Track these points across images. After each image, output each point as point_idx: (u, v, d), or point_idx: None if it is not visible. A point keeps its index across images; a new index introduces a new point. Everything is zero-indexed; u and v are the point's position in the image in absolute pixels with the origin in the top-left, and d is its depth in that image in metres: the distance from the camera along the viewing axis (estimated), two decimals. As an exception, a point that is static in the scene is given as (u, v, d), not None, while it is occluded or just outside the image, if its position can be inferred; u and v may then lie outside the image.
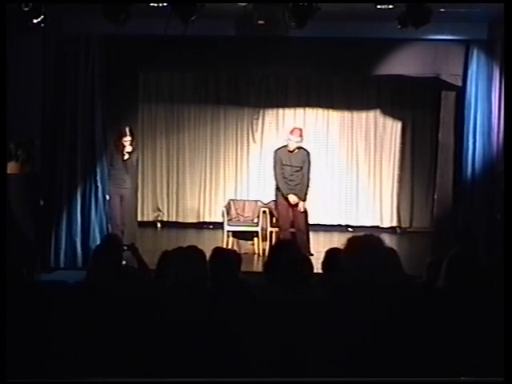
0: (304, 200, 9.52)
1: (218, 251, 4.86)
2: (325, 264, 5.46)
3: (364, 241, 3.62)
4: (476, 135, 9.02)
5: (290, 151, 9.49)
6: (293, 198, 9.45)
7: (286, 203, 9.48)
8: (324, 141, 12.13)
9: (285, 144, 9.65)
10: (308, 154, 9.61)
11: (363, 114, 12.18)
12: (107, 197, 9.15)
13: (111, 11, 7.03)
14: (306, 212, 9.61)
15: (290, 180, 9.47)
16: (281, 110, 12.22)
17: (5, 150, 7.74)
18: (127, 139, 9.09)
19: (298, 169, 9.48)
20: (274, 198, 10.05)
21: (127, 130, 9.12)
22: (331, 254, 5.55)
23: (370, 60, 9.21)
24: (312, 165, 9.71)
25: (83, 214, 9.14)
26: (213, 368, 3.75)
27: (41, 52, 8.77)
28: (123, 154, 9.13)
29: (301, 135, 9.58)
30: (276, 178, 9.58)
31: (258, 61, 9.20)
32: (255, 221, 10.24)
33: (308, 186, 9.57)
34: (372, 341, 3.52)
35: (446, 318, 3.62)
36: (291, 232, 9.55)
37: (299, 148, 9.55)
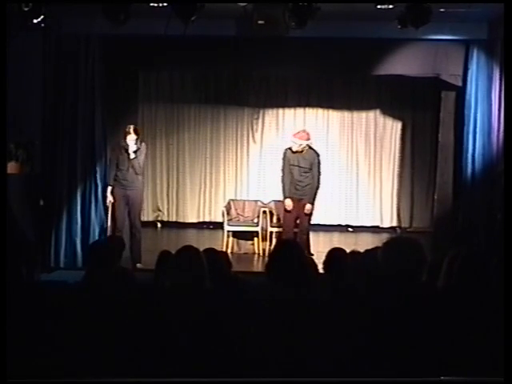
0: (312, 203, 9.37)
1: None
2: (326, 264, 5.46)
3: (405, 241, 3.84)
4: (476, 135, 9.02)
5: (294, 152, 9.34)
6: (288, 203, 9.35)
7: (293, 203, 9.40)
8: (324, 141, 12.11)
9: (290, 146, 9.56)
10: (318, 155, 9.43)
11: (363, 114, 12.18)
12: (111, 198, 8.84)
13: (111, 11, 7.04)
14: (311, 213, 9.51)
15: (299, 181, 9.32)
16: (281, 110, 12.21)
17: (5, 150, 7.75)
18: (131, 138, 8.70)
19: (307, 170, 9.32)
20: (274, 198, 10.04)
21: (131, 128, 8.74)
22: (333, 254, 5.55)
23: (370, 60, 9.21)
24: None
25: (83, 214, 9.13)
26: (213, 368, 3.75)
27: (41, 52, 8.78)
28: (128, 154, 8.74)
29: (308, 138, 9.38)
30: (282, 179, 9.44)
31: (258, 61, 9.20)
32: (255, 221, 10.24)
33: (318, 188, 9.41)
34: (372, 341, 3.52)
35: (446, 318, 3.62)
36: (294, 232, 9.50)
37: (308, 148, 9.40)
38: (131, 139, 8.72)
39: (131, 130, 8.73)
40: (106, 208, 9.14)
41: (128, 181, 8.81)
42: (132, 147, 8.74)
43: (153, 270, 5.58)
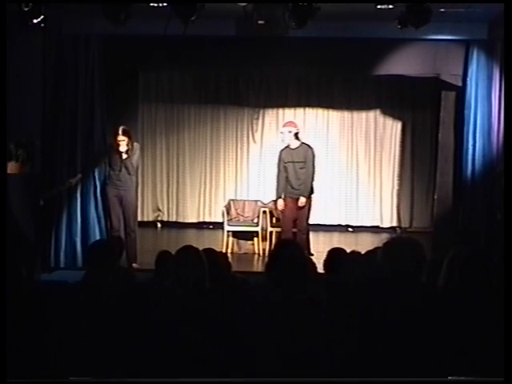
0: (306, 196, 9.28)
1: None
2: (326, 264, 5.46)
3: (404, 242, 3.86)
4: (476, 135, 9.02)
5: (291, 148, 9.35)
6: (280, 203, 9.37)
7: (290, 203, 9.37)
8: (324, 141, 12.12)
9: (286, 144, 9.58)
10: (310, 148, 9.44)
11: (363, 114, 12.19)
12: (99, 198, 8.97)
13: (111, 11, 7.03)
14: (309, 210, 9.46)
15: (296, 179, 9.32)
16: (281, 110, 12.21)
17: (5, 150, 7.75)
18: (120, 139, 8.72)
19: (302, 165, 9.32)
20: (274, 198, 10.02)
21: (120, 129, 8.75)
22: (333, 253, 5.55)
23: (370, 60, 9.19)
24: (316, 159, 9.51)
25: (83, 214, 9.13)
26: (212, 368, 3.75)
27: (41, 52, 8.77)
28: (121, 154, 8.79)
29: (295, 126, 9.47)
30: (277, 180, 9.45)
31: (258, 61, 9.19)
32: (255, 221, 10.24)
33: (313, 180, 9.37)
34: (372, 341, 3.52)
35: (446, 318, 3.62)
36: (293, 232, 9.48)
37: (302, 143, 9.43)
38: (120, 140, 8.74)
39: (119, 131, 8.75)
40: (105, 208, 9.16)
41: (121, 181, 8.87)
42: (122, 147, 8.76)
43: (150, 270, 5.58)
